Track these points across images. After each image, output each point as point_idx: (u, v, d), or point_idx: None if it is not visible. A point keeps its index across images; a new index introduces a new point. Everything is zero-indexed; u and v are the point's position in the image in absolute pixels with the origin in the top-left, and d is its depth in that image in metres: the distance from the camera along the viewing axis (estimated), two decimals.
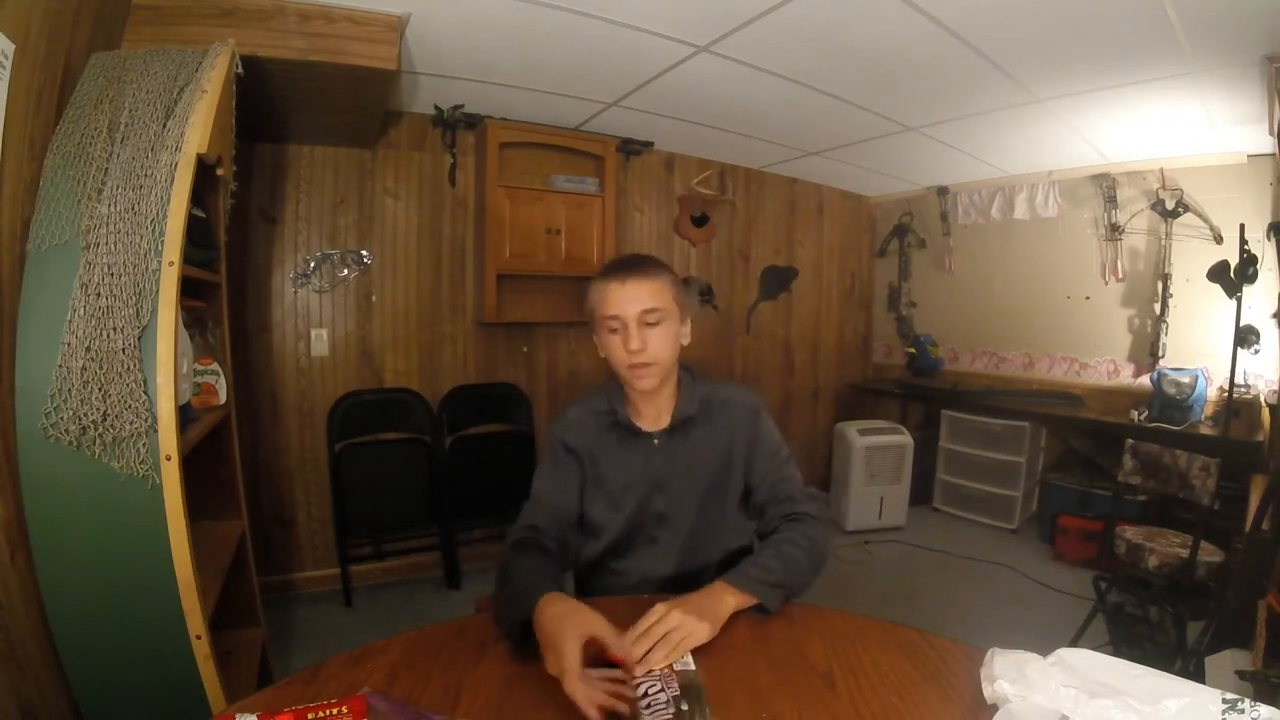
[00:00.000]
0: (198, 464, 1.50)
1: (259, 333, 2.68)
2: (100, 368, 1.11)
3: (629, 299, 1.05)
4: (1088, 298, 3.58)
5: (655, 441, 1.14)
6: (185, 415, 1.32)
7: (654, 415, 1.15)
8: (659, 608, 0.83)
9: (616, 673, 0.75)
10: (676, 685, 0.73)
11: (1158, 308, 3.23)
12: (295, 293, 2.74)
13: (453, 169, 2.97)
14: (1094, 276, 3.53)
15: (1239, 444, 2.66)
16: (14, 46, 1.09)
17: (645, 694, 0.72)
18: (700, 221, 3.74)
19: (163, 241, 1.18)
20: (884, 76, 2.40)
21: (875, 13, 1.88)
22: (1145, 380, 3.27)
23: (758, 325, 4.11)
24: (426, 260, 2.98)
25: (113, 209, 1.16)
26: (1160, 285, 3.22)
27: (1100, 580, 2.24)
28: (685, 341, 1.13)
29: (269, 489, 2.72)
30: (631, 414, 1.15)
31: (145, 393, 1.14)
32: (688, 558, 1.15)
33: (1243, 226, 2.65)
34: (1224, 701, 0.61)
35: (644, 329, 1.05)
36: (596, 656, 0.76)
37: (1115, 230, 3.39)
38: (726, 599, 0.90)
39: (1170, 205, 3.15)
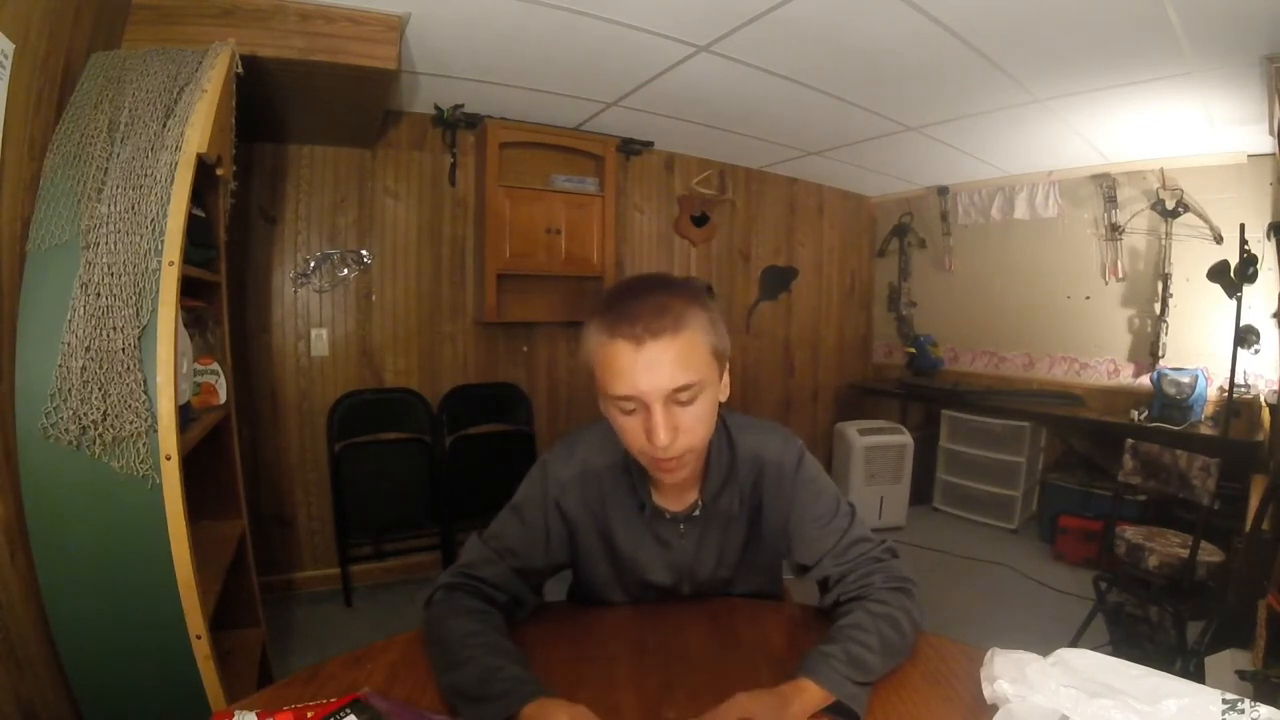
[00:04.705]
0: (198, 464, 1.50)
1: (259, 332, 2.68)
2: (100, 367, 1.11)
3: (650, 373, 0.73)
4: (1088, 298, 3.58)
5: (681, 527, 0.93)
6: (185, 415, 1.32)
7: (677, 491, 0.91)
8: (740, 697, 0.68)
9: None
10: None
11: (1158, 308, 3.23)
12: (295, 292, 2.74)
13: (453, 169, 2.97)
14: (1094, 276, 3.53)
15: (1239, 444, 2.66)
16: (14, 46, 1.09)
17: None
18: (700, 221, 3.74)
19: (163, 241, 1.18)
20: (884, 76, 2.40)
21: (875, 12, 1.88)
22: (1145, 380, 3.27)
23: (758, 325, 4.11)
24: (426, 260, 2.98)
25: (113, 209, 1.16)
26: (1160, 285, 3.22)
27: (1100, 580, 2.23)
28: (724, 397, 0.84)
29: (269, 489, 2.71)
30: (653, 491, 0.91)
31: (145, 392, 1.14)
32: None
33: (1243, 226, 2.65)
34: (1224, 701, 0.61)
35: (673, 410, 0.75)
36: None
37: (1115, 230, 3.39)
38: (811, 698, 0.70)
39: (1170, 205, 3.15)
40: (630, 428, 0.78)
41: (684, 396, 0.75)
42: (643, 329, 0.73)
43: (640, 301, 0.75)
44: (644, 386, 0.73)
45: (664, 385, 0.73)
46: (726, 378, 0.84)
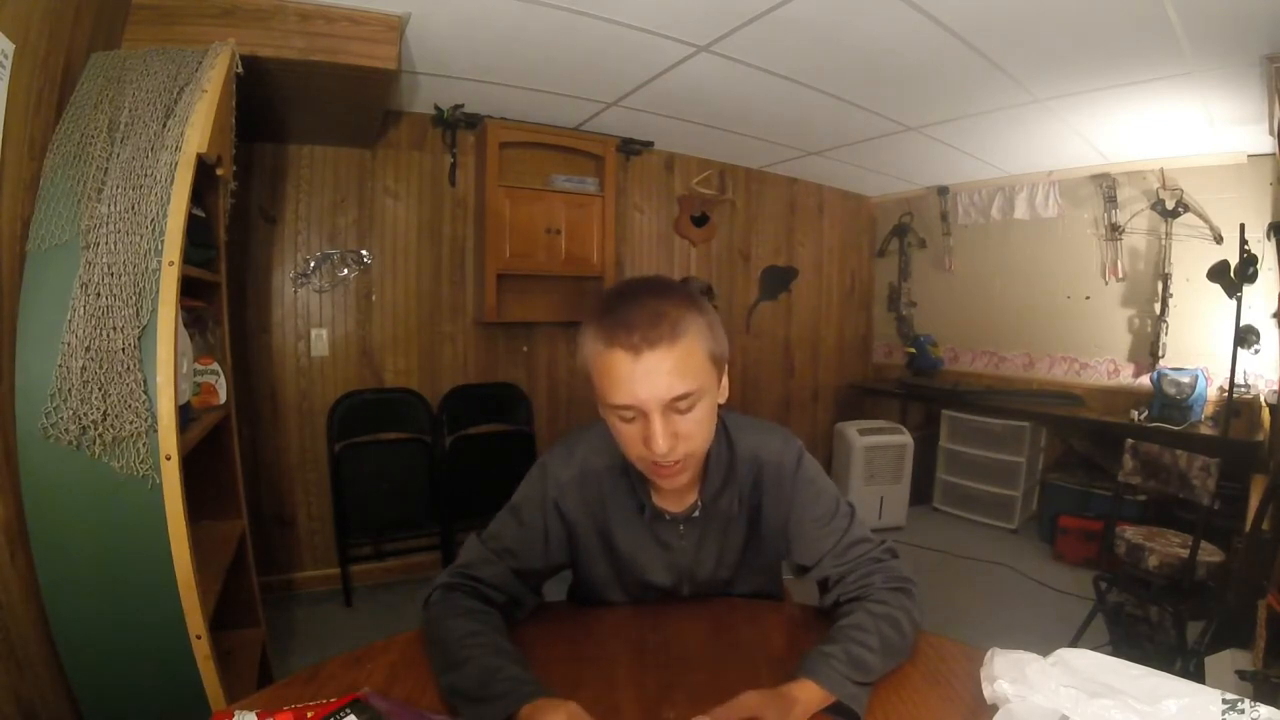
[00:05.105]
0: (198, 464, 1.50)
1: (259, 332, 2.68)
2: (100, 367, 1.11)
3: (648, 383, 0.73)
4: (1088, 298, 3.58)
5: (681, 528, 0.93)
6: (185, 415, 1.32)
7: (676, 493, 0.90)
8: (747, 696, 0.68)
9: None
10: None
11: (1158, 308, 3.23)
12: (295, 292, 2.74)
13: (453, 169, 2.97)
14: (1094, 276, 3.53)
15: (1239, 444, 2.66)
16: (14, 46, 1.09)
17: None
18: (700, 221, 3.74)
19: (163, 241, 1.18)
20: (884, 76, 2.40)
21: (875, 12, 1.88)
22: (1145, 380, 3.27)
23: (758, 325, 4.11)
24: (426, 260, 2.98)
25: (113, 209, 1.16)
26: (1160, 285, 3.22)
27: (1100, 580, 2.23)
28: (723, 399, 0.84)
29: (269, 489, 2.71)
30: (653, 492, 0.91)
31: (145, 392, 1.14)
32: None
33: (1243, 226, 2.65)
34: (1224, 701, 0.61)
35: (672, 418, 0.76)
36: None
37: (1115, 230, 3.39)
38: (813, 698, 0.70)
39: (1170, 205, 3.15)
40: (629, 435, 0.78)
41: (683, 405, 0.75)
42: (640, 338, 0.72)
43: (637, 308, 0.74)
44: (642, 396, 0.73)
45: (662, 394, 0.73)
46: (725, 380, 0.83)
